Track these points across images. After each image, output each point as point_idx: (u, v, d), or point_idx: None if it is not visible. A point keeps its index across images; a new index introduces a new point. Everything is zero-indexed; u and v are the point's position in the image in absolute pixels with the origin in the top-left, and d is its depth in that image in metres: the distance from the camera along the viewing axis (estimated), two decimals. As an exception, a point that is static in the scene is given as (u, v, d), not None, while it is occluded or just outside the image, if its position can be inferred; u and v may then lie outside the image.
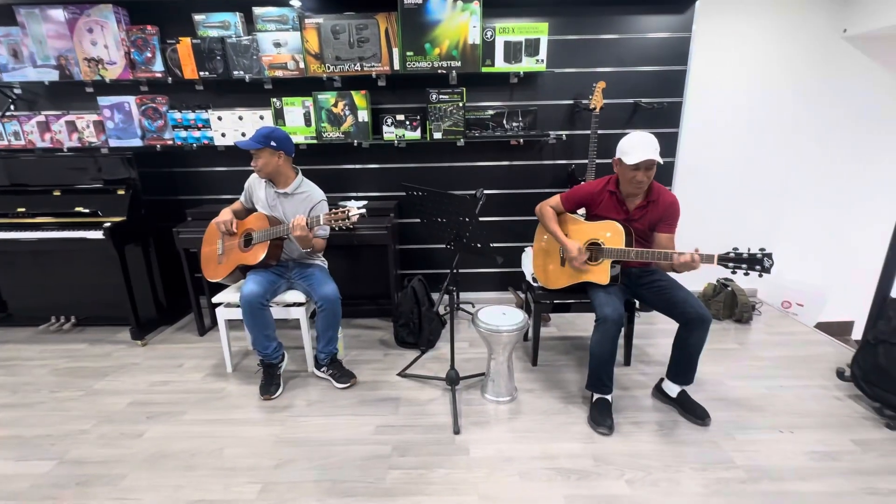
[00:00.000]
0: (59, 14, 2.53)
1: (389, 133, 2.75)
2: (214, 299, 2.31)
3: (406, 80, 2.74)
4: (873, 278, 2.18)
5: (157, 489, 1.61)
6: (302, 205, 2.17)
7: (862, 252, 3.18)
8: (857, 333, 3.34)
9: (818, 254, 3.25)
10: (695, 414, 1.93)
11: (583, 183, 2.23)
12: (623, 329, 2.08)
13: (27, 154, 2.79)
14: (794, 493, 1.55)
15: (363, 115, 2.69)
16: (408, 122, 2.74)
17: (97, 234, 2.50)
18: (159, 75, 2.64)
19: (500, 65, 2.63)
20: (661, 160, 1.81)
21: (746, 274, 1.65)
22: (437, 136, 2.73)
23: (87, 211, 2.64)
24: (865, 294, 2.29)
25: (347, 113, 2.69)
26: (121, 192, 2.67)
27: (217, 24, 2.57)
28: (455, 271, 2.05)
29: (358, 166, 3.01)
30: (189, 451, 1.81)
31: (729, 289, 2.92)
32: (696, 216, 2.78)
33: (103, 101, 2.68)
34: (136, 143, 2.75)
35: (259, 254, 2.13)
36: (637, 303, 2.26)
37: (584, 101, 2.77)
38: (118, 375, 2.38)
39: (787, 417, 1.96)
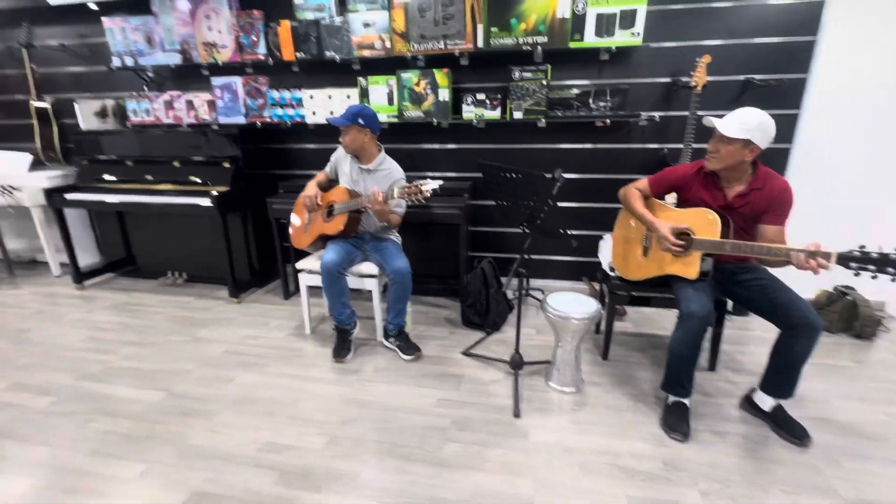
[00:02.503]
0: (184, 2, 2.84)
1: (469, 112, 2.73)
2: (297, 265, 2.49)
3: (489, 58, 2.69)
4: None
5: (242, 428, 1.80)
6: (383, 181, 2.25)
7: None
8: None
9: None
10: (791, 432, 1.71)
11: (675, 166, 2.04)
12: (710, 330, 1.90)
13: (155, 129, 3.21)
14: (914, 539, 1.31)
15: (444, 94, 2.70)
16: (488, 101, 2.69)
17: (206, 202, 2.81)
18: (262, 57, 2.87)
19: (589, 39, 2.47)
20: (736, 135, 1.61)
21: (874, 277, 1.40)
22: (518, 115, 2.65)
23: (198, 181, 2.98)
24: None
25: (429, 92, 2.71)
26: (226, 164, 2.97)
27: (314, 7, 2.72)
28: (526, 256, 1.99)
29: (436, 146, 3.04)
30: (270, 399, 1.99)
31: (849, 298, 2.52)
32: (811, 211, 2.41)
33: (216, 81, 2.98)
34: (240, 120, 3.04)
35: (339, 224, 2.26)
36: (728, 303, 2.03)
37: (685, 79, 2.51)
38: (216, 327, 2.69)
39: (914, 452, 1.65)
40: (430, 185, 1.95)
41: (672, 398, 1.82)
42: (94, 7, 3.06)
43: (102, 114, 3.28)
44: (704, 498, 1.45)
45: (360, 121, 2.15)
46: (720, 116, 1.69)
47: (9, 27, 3.36)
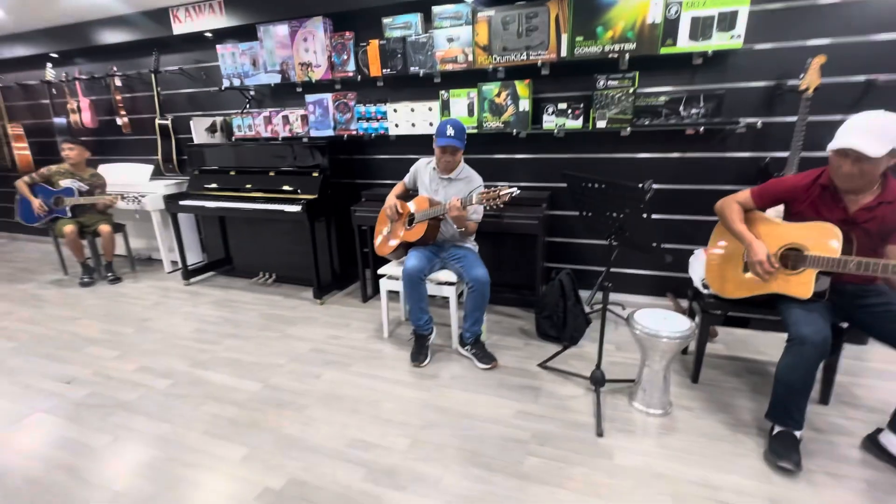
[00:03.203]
0: (284, 28, 3.12)
1: (549, 122, 2.71)
2: (380, 271, 2.61)
3: (573, 67, 2.65)
4: None
5: (330, 423, 1.92)
6: (463, 189, 2.30)
7: None
8: None
9: None
10: (930, 482, 1.49)
11: (782, 176, 1.87)
12: (824, 358, 1.70)
13: (255, 142, 3.54)
14: None
15: (524, 105, 2.70)
16: (569, 111, 2.66)
17: (297, 208, 3.04)
18: (351, 74, 3.07)
19: (683, 44, 2.35)
20: (883, 153, 1.42)
21: None
22: (601, 124, 2.59)
23: (290, 189, 3.23)
24: None
25: (509, 102, 2.73)
26: (315, 174, 3.19)
27: (401, 25, 2.86)
28: (611, 269, 1.93)
29: (515, 156, 3.04)
30: (355, 397, 2.10)
31: None
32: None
33: (309, 98, 3.23)
34: (329, 133, 3.26)
35: (419, 232, 2.34)
36: (843, 327, 1.82)
37: (793, 82, 2.31)
38: (304, 325, 2.88)
39: None
40: (508, 190, 1.97)
41: (778, 428, 1.65)
42: (209, 35, 3.46)
43: (212, 129, 3.67)
44: (822, 546, 1.30)
45: (465, 140, 2.26)
46: (839, 124, 1.53)
47: (140, 56, 3.89)
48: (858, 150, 1.45)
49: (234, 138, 3.63)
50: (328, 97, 3.19)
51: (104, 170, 3.94)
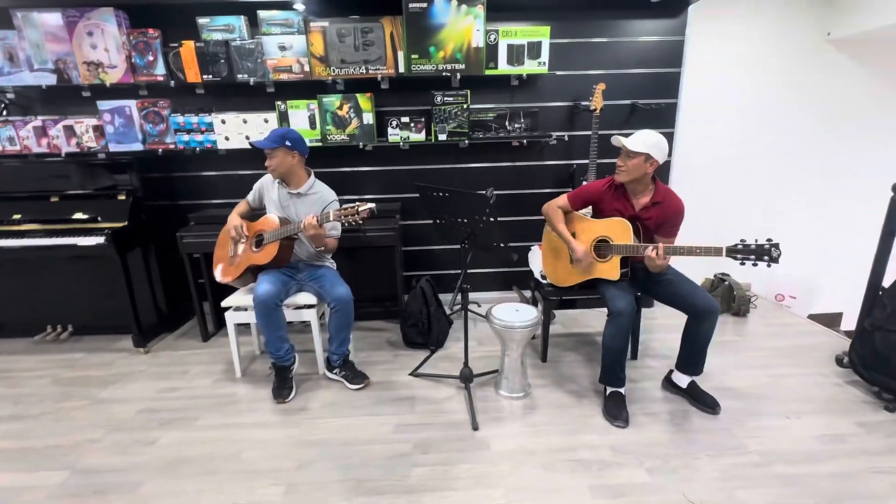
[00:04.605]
0: (56, 17, 2.49)
1: (394, 135, 2.77)
2: (224, 303, 2.28)
3: (410, 83, 2.77)
4: (861, 271, 2.28)
5: (179, 495, 1.59)
6: (315, 205, 2.17)
7: (848, 247, 3.32)
8: (846, 324, 3.47)
9: (809, 248, 3.38)
10: (705, 403, 1.99)
11: (589, 182, 2.29)
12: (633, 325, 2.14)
13: (22, 159, 2.73)
14: (807, 475, 1.61)
15: (368, 118, 2.71)
16: (412, 124, 2.76)
17: (98, 240, 2.45)
18: (161, 79, 2.61)
19: (503, 67, 2.68)
20: (639, 149, 1.88)
21: (755, 265, 1.71)
22: (442, 137, 2.76)
23: (86, 217, 2.58)
24: (854, 286, 2.39)
25: (353, 115, 2.70)
26: (121, 196, 2.62)
27: (221, 28, 2.56)
28: (467, 271, 2.07)
29: (363, 168, 3.02)
30: (207, 455, 1.78)
31: (726, 283, 3.01)
32: (691, 215, 2.86)
33: (103, 105, 2.64)
34: (138, 147, 2.72)
35: (270, 253, 2.12)
36: (639, 296, 2.31)
37: (584, 103, 2.84)
38: (124, 383, 2.33)
39: (793, 404, 2.03)
40: (366, 206, 1.94)
41: (610, 389, 2.01)
42: (-73, 16, 2.53)
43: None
44: (651, 475, 1.62)
45: (287, 143, 2.07)
46: (625, 135, 1.95)
47: None
48: (622, 144, 1.91)
49: (-15, 155, 2.73)
50: (132, 104, 2.66)
51: None
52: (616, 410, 1.93)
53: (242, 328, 2.33)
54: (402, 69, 2.64)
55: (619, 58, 2.88)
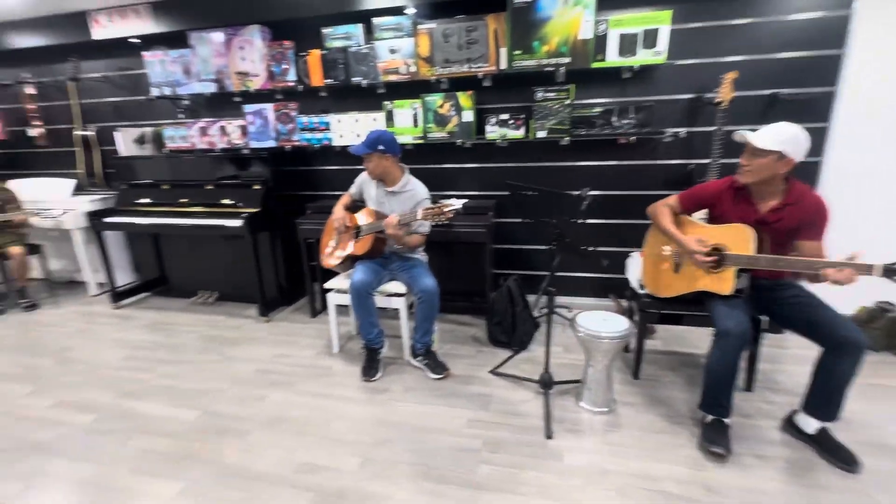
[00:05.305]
0: (220, 36, 2.99)
1: (492, 132, 2.78)
2: (326, 285, 2.53)
3: (512, 80, 2.73)
4: None
5: (275, 447, 1.83)
6: (408, 202, 2.29)
7: None
8: None
9: None
10: (839, 457, 1.64)
11: (705, 182, 2.03)
12: (746, 349, 1.85)
13: (189, 154, 3.35)
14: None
15: (468, 116, 2.75)
16: (511, 121, 2.73)
17: (238, 223, 2.90)
18: (292, 84, 2.99)
19: (612, 59, 2.50)
20: (769, 147, 1.59)
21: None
22: (541, 134, 2.68)
23: (230, 202, 3.08)
24: None
25: (453, 113, 2.77)
26: (256, 187, 3.07)
27: (342, 36, 2.83)
28: (555, 273, 1.99)
29: (460, 165, 3.08)
30: (302, 419, 2.01)
31: (891, 314, 2.42)
32: (845, 225, 2.35)
33: (248, 108, 3.11)
34: (271, 144, 3.15)
35: (366, 245, 2.30)
36: (763, 320, 1.98)
37: (710, 95, 2.51)
38: (248, 345, 2.74)
39: (975, 479, 1.57)
40: (452, 206, 1.98)
41: (710, 417, 1.77)
42: (136, 41, 3.24)
43: (141, 140, 3.44)
44: (751, 526, 1.40)
45: (381, 147, 2.20)
46: (752, 130, 1.68)
47: (57, 62, 3.58)
48: (747, 140, 1.63)
49: (165, 150, 3.41)
50: (269, 107, 3.09)
51: (16, 186, 3.57)
52: (716, 436, 1.69)
53: (342, 309, 2.56)
54: (503, 66, 2.62)
55: (759, 41, 2.48)
